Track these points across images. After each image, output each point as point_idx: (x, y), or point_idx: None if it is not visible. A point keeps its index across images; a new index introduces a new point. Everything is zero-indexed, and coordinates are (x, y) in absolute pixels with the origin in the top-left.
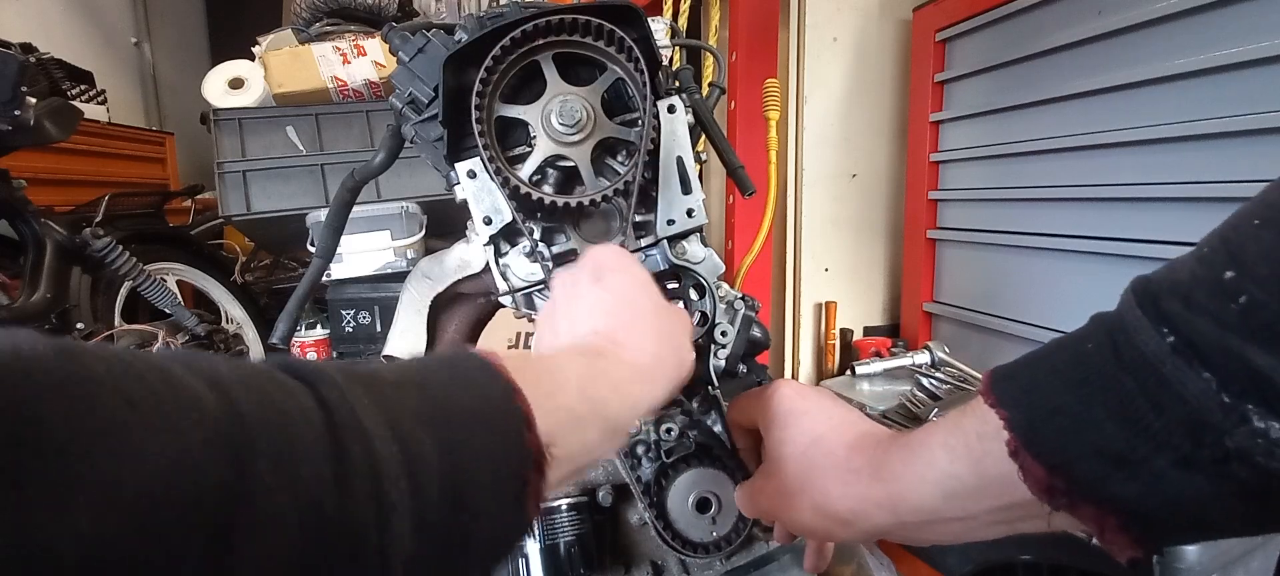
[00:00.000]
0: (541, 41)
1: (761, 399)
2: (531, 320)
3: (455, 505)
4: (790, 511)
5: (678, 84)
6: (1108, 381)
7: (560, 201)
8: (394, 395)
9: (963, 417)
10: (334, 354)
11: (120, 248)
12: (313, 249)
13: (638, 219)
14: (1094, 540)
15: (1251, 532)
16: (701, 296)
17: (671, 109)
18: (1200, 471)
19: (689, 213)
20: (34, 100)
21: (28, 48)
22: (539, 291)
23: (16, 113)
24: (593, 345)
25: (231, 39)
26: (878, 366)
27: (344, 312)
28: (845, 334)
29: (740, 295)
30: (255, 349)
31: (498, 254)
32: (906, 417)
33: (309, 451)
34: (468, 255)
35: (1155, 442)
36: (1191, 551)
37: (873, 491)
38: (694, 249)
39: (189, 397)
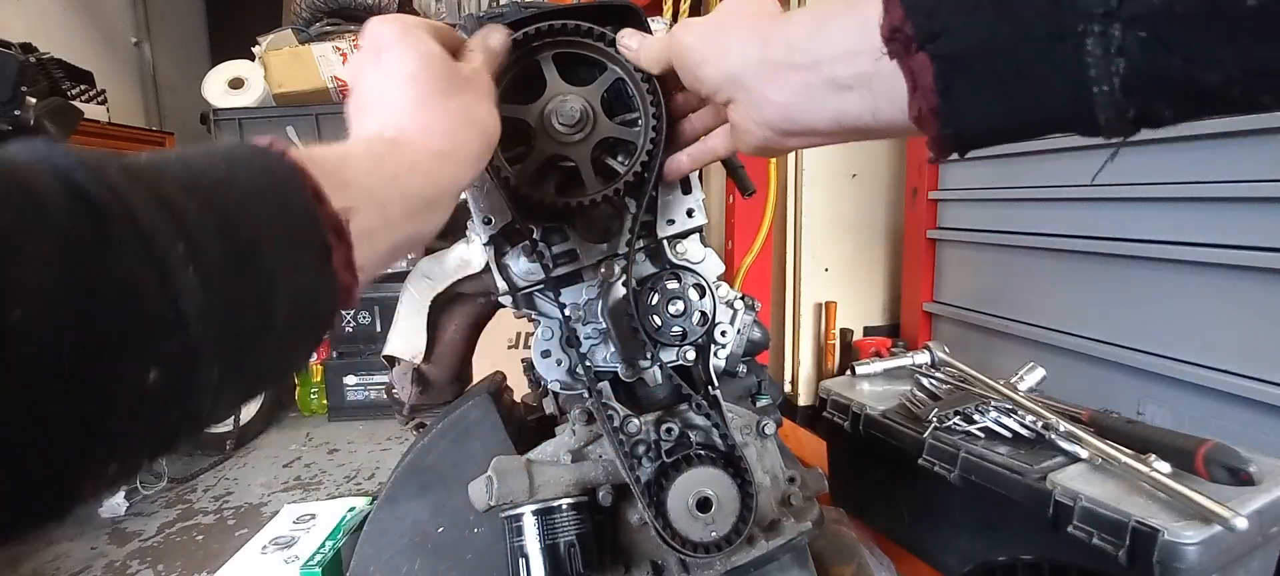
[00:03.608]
0: (542, 42)
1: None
2: (531, 320)
3: (245, 265)
4: (687, 29)
5: None
6: None
7: (560, 201)
8: (150, 169)
9: None
10: (334, 353)
11: None
12: None
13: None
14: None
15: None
16: (701, 296)
17: None
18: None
19: (689, 213)
20: (34, 100)
21: (28, 48)
22: (539, 291)
23: (16, 113)
24: (381, 138)
25: (231, 39)
26: (878, 366)
27: (344, 313)
28: (845, 334)
29: (740, 295)
30: None
31: (498, 254)
32: (907, 418)
33: (51, 208)
34: (468, 255)
35: None
36: (1191, 551)
37: (757, 24)
38: (694, 249)
39: None
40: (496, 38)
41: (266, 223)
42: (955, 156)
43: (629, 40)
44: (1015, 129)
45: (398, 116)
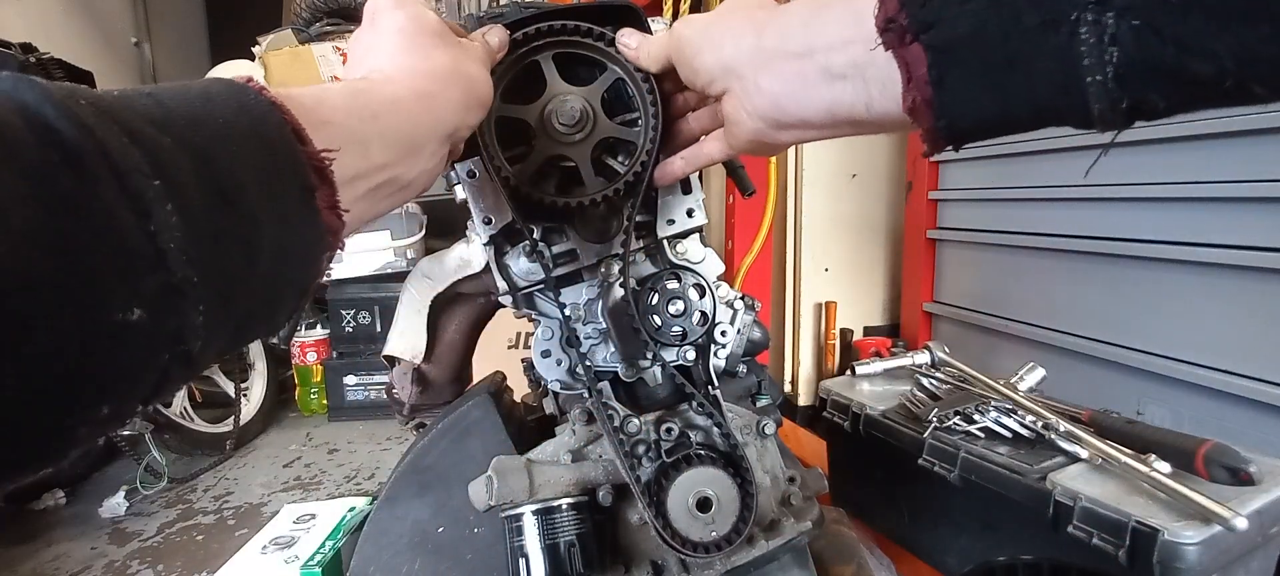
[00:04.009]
0: (542, 42)
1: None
2: (531, 320)
3: (224, 203)
4: (685, 24)
5: None
6: None
7: (560, 201)
8: (122, 104)
9: None
10: (334, 353)
11: None
12: None
13: (638, 219)
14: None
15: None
16: (701, 296)
17: None
18: None
19: (689, 213)
20: None
21: (28, 48)
22: (539, 291)
23: None
24: (360, 78)
25: (231, 39)
26: (878, 366)
27: (344, 312)
28: (845, 334)
29: (740, 295)
30: (255, 348)
31: (498, 254)
32: (907, 418)
33: (22, 146)
34: (468, 255)
35: None
36: (1191, 551)
37: (754, 16)
38: (694, 249)
39: None
40: (495, 36)
41: (244, 160)
42: (950, 150)
43: (628, 39)
44: (1009, 121)
45: (382, 61)
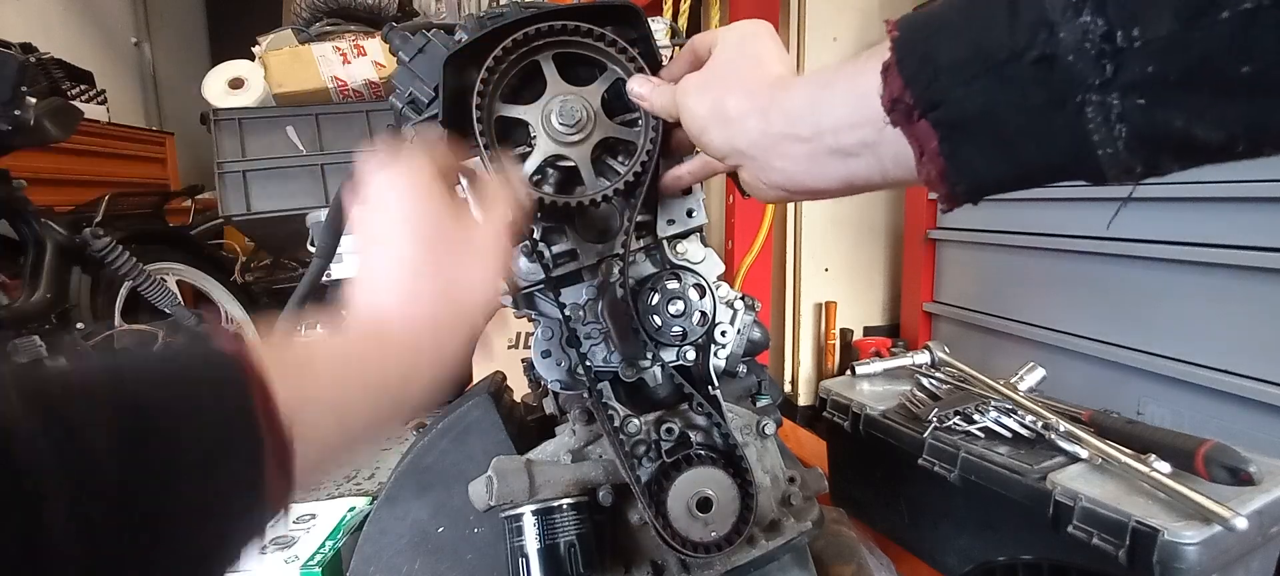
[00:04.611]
0: (542, 42)
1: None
2: (531, 320)
3: (148, 486)
4: (690, 93)
5: None
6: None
7: (560, 201)
8: (57, 379)
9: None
10: None
11: (120, 247)
12: (313, 249)
13: (639, 219)
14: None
15: (1042, 168)
16: (701, 296)
17: None
18: (1025, 70)
19: (689, 213)
20: (34, 100)
21: (28, 48)
22: (539, 291)
23: (16, 112)
24: (357, 323)
25: (231, 39)
26: (878, 366)
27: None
28: (845, 334)
29: (740, 295)
30: None
31: None
32: (907, 418)
33: None
34: None
35: (1005, 47)
36: (1191, 551)
37: (756, 93)
38: (694, 249)
39: None
40: (526, 192)
41: (185, 443)
42: (970, 205)
43: (639, 88)
44: (1026, 180)
45: (382, 292)
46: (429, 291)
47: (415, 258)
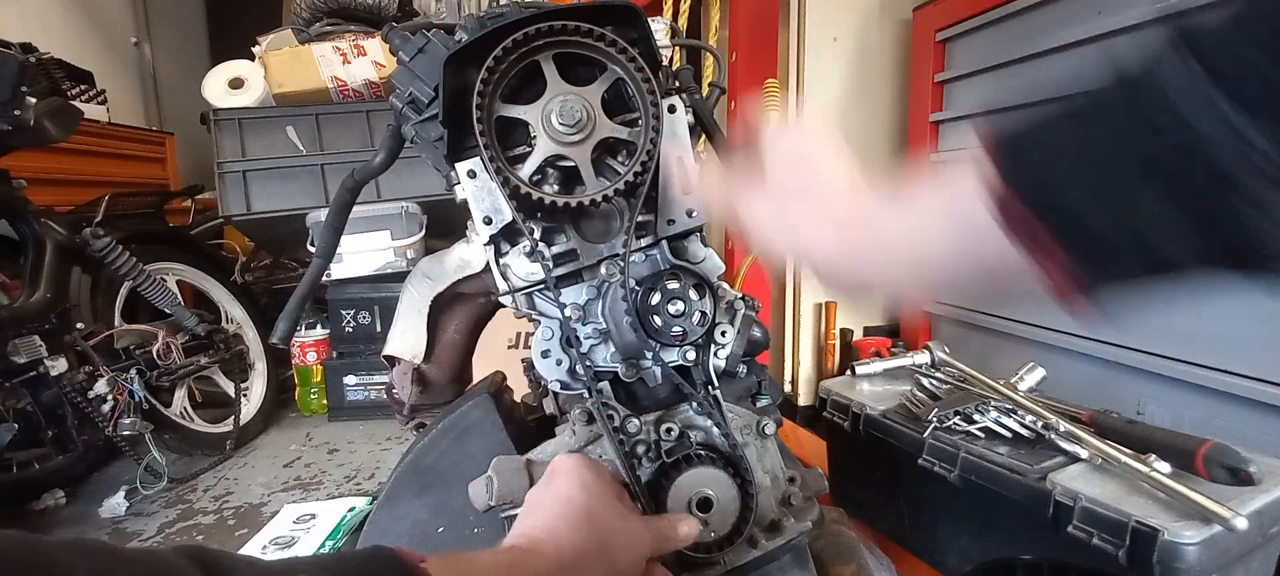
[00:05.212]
0: (542, 42)
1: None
2: (531, 320)
3: None
4: (758, 203)
5: (678, 84)
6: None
7: (560, 201)
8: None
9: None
10: (334, 353)
11: (120, 248)
12: (313, 249)
13: (639, 219)
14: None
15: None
16: (701, 296)
17: (671, 109)
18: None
19: (689, 213)
20: (34, 100)
21: (28, 48)
22: (539, 291)
23: (16, 113)
24: (513, 545)
25: (231, 39)
26: (878, 366)
27: (344, 312)
28: (845, 334)
29: (740, 295)
30: (255, 348)
31: (498, 254)
32: (907, 418)
33: None
34: (468, 255)
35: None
36: (1191, 551)
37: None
38: (694, 249)
39: None
40: (686, 530)
41: None
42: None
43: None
44: None
45: (537, 526)
46: (579, 527)
47: (577, 502)
